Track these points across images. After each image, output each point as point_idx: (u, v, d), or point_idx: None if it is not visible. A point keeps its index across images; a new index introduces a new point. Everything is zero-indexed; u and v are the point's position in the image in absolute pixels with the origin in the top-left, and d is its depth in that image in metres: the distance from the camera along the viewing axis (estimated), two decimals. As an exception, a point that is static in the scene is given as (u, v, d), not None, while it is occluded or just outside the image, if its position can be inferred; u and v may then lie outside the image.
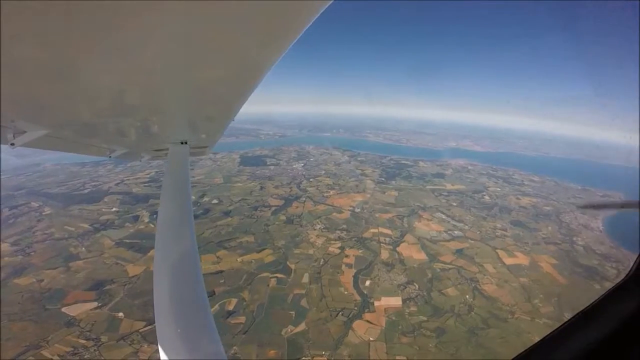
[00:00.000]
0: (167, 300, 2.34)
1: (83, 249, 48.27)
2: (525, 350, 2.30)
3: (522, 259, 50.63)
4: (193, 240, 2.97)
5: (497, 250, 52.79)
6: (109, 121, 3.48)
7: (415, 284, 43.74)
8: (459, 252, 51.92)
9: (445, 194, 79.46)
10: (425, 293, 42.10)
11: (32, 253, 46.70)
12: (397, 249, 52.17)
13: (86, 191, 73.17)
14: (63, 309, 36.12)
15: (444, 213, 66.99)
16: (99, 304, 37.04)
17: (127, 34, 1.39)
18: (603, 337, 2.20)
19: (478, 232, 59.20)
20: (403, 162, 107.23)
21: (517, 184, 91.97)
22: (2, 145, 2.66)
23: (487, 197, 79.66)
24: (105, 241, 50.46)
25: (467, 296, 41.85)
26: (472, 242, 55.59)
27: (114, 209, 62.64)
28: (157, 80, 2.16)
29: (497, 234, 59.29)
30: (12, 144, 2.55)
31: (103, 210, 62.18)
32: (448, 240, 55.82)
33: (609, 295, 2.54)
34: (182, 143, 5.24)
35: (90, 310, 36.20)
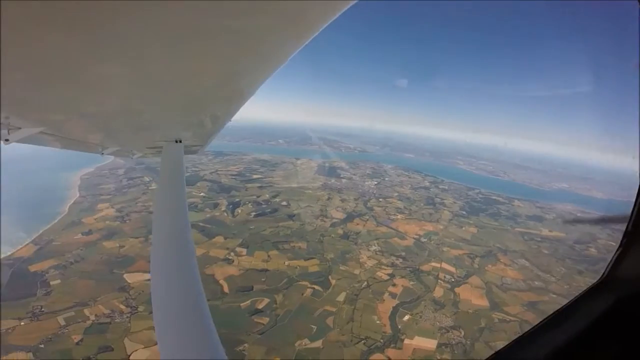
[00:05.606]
0: (164, 301, 2.31)
1: (165, 225, 55.91)
2: (499, 350, 2.40)
3: (612, 321, 40.12)
4: (189, 239, 2.98)
5: (585, 309, 42.92)
6: (102, 119, 3.50)
7: (461, 330, 39.01)
8: (531, 305, 44.19)
9: (538, 239, 67.63)
10: (468, 342, 37.29)
11: (128, 221, 55.45)
12: (456, 289, 47.08)
13: (186, 175, 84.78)
14: (124, 275, 41.17)
15: (528, 260, 57.36)
16: (154, 276, 41.99)
17: (122, 32, 1.40)
18: (575, 336, 2.32)
19: (566, 287, 49.29)
20: (494, 197, 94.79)
21: (643, 240, 72.74)
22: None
23: (593, 250, 65.31)
24: (183, 221, 57.64)
25: (520, 353, 35.15)
26: (554, 296, 46.71)
27: (201, 194, 70.41)
28: (152, 79, 2.17)
29: (591, 291, 48.17)
30: (7, 140, 2.58)
31: (193, 193, 69.80)
32: (523, 290, 48.05)
33: (583, 296, 2.77)
34: (176, 142, 5.21)
35: (145, 280, 40.26)
